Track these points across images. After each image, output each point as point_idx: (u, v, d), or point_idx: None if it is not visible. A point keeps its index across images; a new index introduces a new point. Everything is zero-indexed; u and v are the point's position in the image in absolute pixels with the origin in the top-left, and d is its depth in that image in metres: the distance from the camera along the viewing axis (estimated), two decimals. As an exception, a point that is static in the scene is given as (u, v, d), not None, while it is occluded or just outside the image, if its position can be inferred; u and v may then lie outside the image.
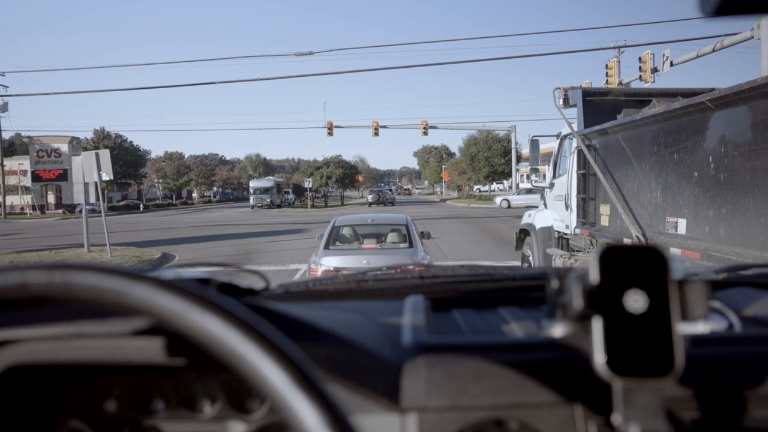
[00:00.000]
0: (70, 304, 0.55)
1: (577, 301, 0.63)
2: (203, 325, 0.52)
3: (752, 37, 16.98)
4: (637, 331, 0.61)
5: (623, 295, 0.62)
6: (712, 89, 5.58)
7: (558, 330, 0.75)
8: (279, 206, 56.42)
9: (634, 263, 0.64)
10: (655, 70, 23.36)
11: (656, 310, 0.62)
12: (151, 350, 0.76)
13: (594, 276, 0.63)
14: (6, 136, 49.33)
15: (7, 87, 43.52)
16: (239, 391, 0.83)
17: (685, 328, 0.63)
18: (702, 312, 0.64)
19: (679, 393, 0.72)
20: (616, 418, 0.62)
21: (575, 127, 7.94)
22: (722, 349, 0.79)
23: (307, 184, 54.68)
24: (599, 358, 0.61)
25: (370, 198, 53.39)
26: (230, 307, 0.54)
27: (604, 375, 0.61)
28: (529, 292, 1.13)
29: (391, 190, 65.49)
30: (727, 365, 0.76)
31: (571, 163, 8.24)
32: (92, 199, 14.74)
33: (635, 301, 0.62)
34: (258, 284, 1.07)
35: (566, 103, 8.27)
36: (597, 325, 0.62)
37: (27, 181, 49.82)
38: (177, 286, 0.54)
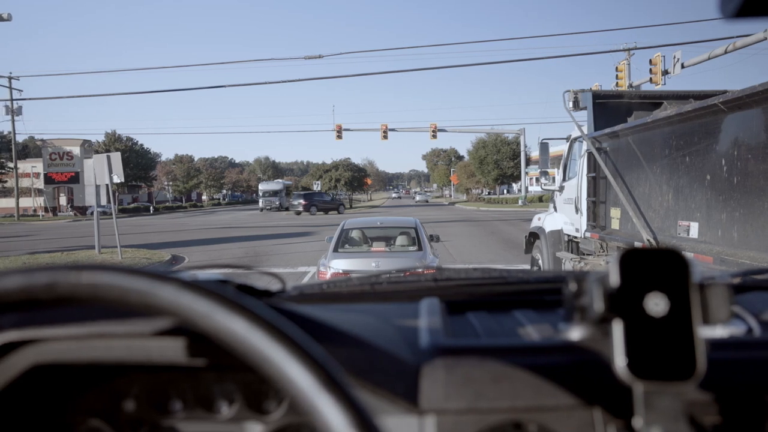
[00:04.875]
0: (96, 304, 0.56)
1: (597, 304, 0.63)
2: (228, 326, 0.53)
3: (765, 39, 16.88)
4: (657, 334, 0.61)
5: (644, 298, 0.62)
6: (725, 91, 5.55)
7: (576, 333, 0.75)
8: (287, 209, 56.58)
9: (654, 266, 0.63)
10: (665, 73, 23.26)
11: (677, 314, 0.62)
12: (172, 350, 0.76)
13: (614, 279, 0.63)
14: (20, 139, 49.82)
15: (22, 91, 43.93)
16: (257, 392, 0.84)
17: (704, 332, 0.63)
18: (724, 315, 0.63)
19: (700, 397, 0.72)
20: (637, 422, 0.62)
21: (585, 129, 7.91)
22: (743, 353, 0.78)
23: (316, 186, 54.81)
24: (620, 361, 0.61)
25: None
26: (255, 308, 0.54)
27: (624, 378, 0.61)
28: (544, 295, 1.13)
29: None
30: (748, 369, 0.75)
31: (581, 166, 8.21)
32: (103, 201, 14.84)
33: (656, 304, 0.62)
34: (273, 286, 1.08)
35: (576, 105, 8.25)
36: (617, 328, 0.62)
37: (40, 184, 50.22)
38: (202, 287, 0.54)
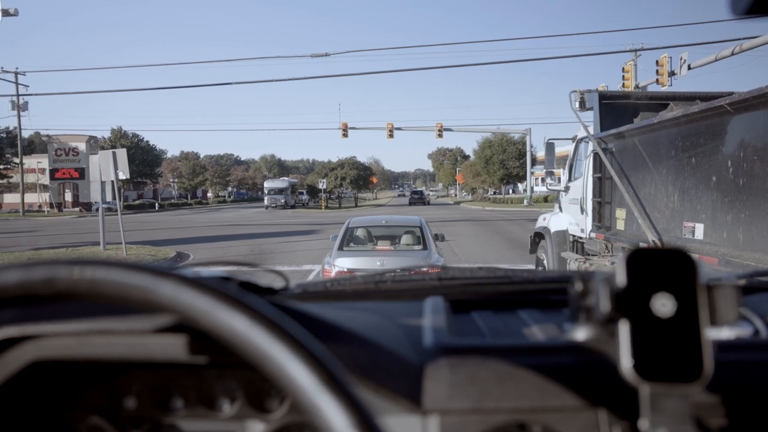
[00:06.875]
0: (96, 301, 0.55)
1: (603, 304, 0.62)
2: (229, 323, 0.52)
3: (772, 41, 16.78)
4: (664, 335, 0.60)
5: (650, 298, 0.61)
6: (731, 93, 5.52)
7: (581, 333, 0.74)
8: (293, 207, 56.80)
9: (661, 266, 0.63)
10: (672, 74, 23.18)
11: (684, 315, 0.61)
12: (173, 348, 0.76)
13: (621, 279, 0.62)
14: (25, 134, 49.90)
15: (28, 86, 44.04)
16: (259, 391, 0.83)
17: (712, 334, 0.62)
18: (732, 317, 0.62)
19: (707, 399, 0.71)
20: (643, 424, 0.61)
21: (591, 130, 7.89)
22: (750, 355, 0.77)
23: (322, 185, 54.82)
24: (626, 362, 0.60)
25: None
26: (257, 305, 0.53)
27: (630, 379, 0.60)
28: (550, 294, 1.12)
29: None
30: (755, 371, 0.75)
31: (586, 166, 8.19)
32: (108, 198, 14.89)
33: (663, 304, 0.61)
34: (277, 283, 1.07)
35: (582, 106, 8.23)
36: (624, 329, 0.61)
37: (45, 179, 50.36)
38: (203, 284, 0.54)
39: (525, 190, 54.63)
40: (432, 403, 0.72)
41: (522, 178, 55.91)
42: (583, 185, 8.32)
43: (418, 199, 63.67)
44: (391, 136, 43.75)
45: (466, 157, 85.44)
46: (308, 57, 28.34)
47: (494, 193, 67.24)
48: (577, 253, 8.68)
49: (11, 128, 47.12)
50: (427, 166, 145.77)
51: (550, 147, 9.85)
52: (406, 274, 1.24)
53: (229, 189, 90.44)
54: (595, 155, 7.64)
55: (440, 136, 44.59)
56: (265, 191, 57.99)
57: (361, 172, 61.14)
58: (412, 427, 0.72)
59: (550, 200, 37.49)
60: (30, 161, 50.57)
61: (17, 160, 44.53)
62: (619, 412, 0.70)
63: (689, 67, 22.41)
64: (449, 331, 0.87)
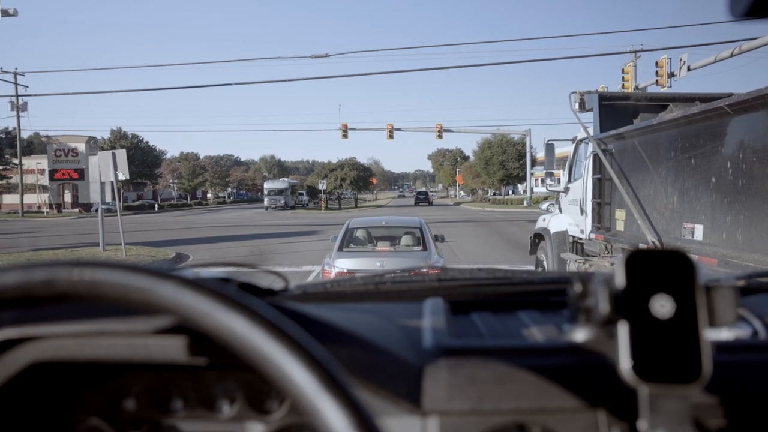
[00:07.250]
0: (95, 302, 0.55)
1: (602, 305, 0.62)
2: (229, 325, 0.52)
3: (772, 42, 16.77)
4: (663, 336, 0.60)
5: (649, 299, 0.61)
6: (731, 94, 5.53)
7: (581, 334, 0.74)
8: (293, 208, 56.82)
9: (660, 268, 0.63)
10: (672, 75, 23.16)
11: (683, 316, 0.61)
12: (173, 349, 0.76)
13: (620, 280, 0.62)
14: (25, 135, 49.87)
15: (27, 87, 43.98)
16: (259, 392, 0.83)
17: (710, 335, 0.62)
18: (730, 318, 0.62)
19: (706, 400, 0.71)
20: (642, 425, 0.61)
21: (591, 131, 7.89)
22: (749, 356, 0.78)
23: (321, 186, 54.81)
24: (625, 363, 0.60)
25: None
26: (256, 306, 0.53)
27: (629, 380, 0.60)
28: (549, 296, 1.12)
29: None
30: (754, 372, 0.75)
31: (586, 167, 8.20)
32: (108, 199, 14.88)
33: (662, 306, 0.61)
34: (277, 285, 1.07)
35: (582, 107, 8.23)
36: (623, 330, 0.61)
37: (44, 180, 50.29)
38: (203, 285, 0.54)
39: (525, 191, 54.63)
40: (431, 404, 0.72)
41: (522, 179, 55.90)
42: (583, 186, 8.32)
43: (423, 199, 68.58)
44: (391, 137, 43.73)
45: (466, 158, 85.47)
46: (308, 58, 28.41)
47: (494, 194, 67.36)
48: (576, 254, 8.68)
49: (10, 129, 47.05)
50: (427, 167, 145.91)
51: (549, 148, 9.84)
52: (406, 275, 1.23)
53: (229, 190, 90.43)
54: (595, 156, 7.65)
55: (440, 137, 44.57)
56: (265, 192, 58.07)
57: (361, 173, 61.13)
58: (412, 428, 0.72)
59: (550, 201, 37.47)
60: (29, 162, 50.50)
61: (16, 161, 44.46)
62: (618, 413, 0.71)
63: (689, 69, 22.39)
64: (449, 332, 0.87)
